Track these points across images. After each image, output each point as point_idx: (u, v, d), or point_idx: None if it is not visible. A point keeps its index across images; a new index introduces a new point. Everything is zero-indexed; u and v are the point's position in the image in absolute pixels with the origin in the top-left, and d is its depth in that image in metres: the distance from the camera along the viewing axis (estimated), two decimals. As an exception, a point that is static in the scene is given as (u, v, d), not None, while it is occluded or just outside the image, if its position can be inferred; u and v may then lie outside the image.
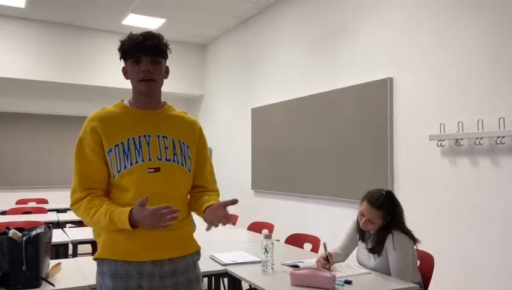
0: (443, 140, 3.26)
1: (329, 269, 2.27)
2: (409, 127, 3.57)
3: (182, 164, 1.61)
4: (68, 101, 7.33)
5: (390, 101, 3.72)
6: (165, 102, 1.70)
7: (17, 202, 5.86)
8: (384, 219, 2.35)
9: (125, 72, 1.61)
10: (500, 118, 2.90)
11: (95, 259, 1.59)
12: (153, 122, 1.60)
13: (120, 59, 1.60)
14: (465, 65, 3.15)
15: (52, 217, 4.52)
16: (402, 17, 3.67)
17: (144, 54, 1.53)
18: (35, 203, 5.82)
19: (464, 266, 3.09)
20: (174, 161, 1.59)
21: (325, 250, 2.40)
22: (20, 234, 1.99)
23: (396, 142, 3.68)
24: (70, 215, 4.86)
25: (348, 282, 2.12)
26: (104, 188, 1.56)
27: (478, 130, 3.03)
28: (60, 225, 4.20)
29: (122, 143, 1.53)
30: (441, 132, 3.28)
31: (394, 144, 3.70)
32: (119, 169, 1.52)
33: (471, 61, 3.11)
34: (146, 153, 1.54)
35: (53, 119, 7.27)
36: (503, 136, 2.86)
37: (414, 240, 2.35)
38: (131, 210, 1.44)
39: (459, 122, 3.16)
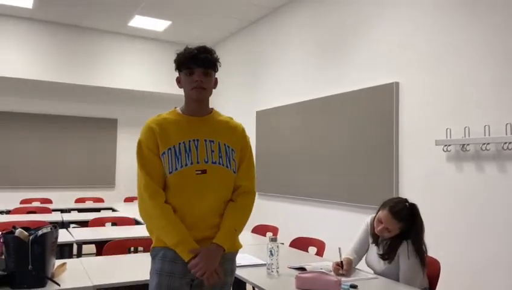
0: (449, 145, 3.25)
1: (344, 276, 2.26)
2: (414, 131, 3.56)
3: (227, 166, 1.77)
4: (75, 102, 7.37)
5: (396, 106, 3.72)
6: (212, 108, 1.88)
7: (21, 202, 5.87)
8: (401, 229, 2.31)
9: (179, 82, 1.83)
10: (507, 124, 2.89)
11: (152, 247, 1.76)
12: (202, 127, 1.79)
13: (175, 70, 1.81)
14: (472, 70, 3.15)
15: (56, 217, 4.53)
16: (409, 22, 3.66)
17: (197, 65, 1.74)
18: (39, 203, 5.82)
19: (470, 272, 3.07)
20: (219, 163, 1.76)
21: (340, 255, 2.38)
22: (26, 233, 1.99)
23: (402, 147, 3.67)
24: (74, 216, 4.87)
25: (354, 286, 2.11)
26: (162, 186, 1.73)
27: (485, 135, 3.01)
28: (64, 224, 4.21)
29: (174, 147, 1.72)
30: (447, 137, 3.27)
31: (400, 149, 3.69)
32: (170, 170, 1.71)
33: (479, 66, 3.10)
34: (194, 156, 1.73)
35: (59, 120, 7.30)
36: (510, 142, 2.85)
37: (423, 263, 2.29)
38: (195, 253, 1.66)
39: (465, 127, 3.15)
